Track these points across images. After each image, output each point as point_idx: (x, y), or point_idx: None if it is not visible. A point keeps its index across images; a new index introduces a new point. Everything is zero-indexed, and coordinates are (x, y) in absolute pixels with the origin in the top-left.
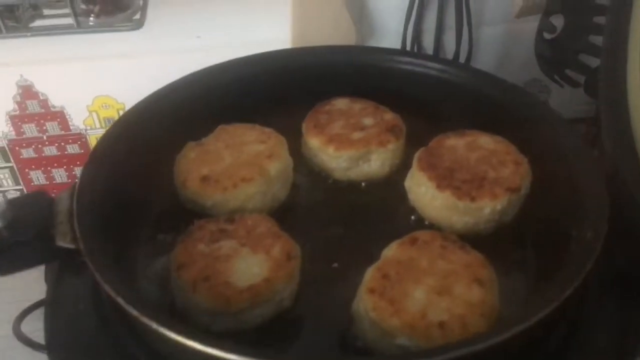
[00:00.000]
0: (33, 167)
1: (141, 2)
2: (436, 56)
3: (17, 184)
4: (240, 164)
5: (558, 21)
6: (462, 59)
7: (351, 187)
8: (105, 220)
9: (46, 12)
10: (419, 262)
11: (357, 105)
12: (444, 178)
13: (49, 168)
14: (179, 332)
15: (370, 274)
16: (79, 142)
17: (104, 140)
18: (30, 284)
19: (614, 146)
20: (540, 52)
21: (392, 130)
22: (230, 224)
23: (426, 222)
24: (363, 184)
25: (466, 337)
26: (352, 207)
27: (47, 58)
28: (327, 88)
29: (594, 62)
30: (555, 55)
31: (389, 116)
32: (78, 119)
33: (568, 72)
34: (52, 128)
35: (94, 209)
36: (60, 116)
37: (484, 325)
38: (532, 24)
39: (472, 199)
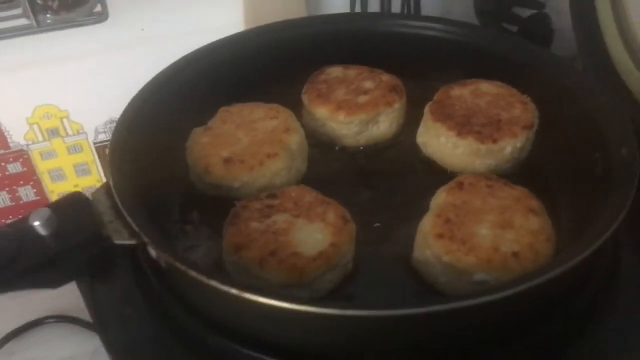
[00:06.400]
0: None
1: None
2: (413, 14)
3: None
4: (260, 142)
5: None
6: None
7: (363, 151)
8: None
9: None
10: (472, 203)
11: (352, 72)
12: (463, 125)
13: None
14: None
15: (430, 222)
16: (20, 160)
17: (119, 136)
18: None
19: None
20: (479, 7)
21: (394, 89)
22: (274, 199)
23: (448, 172)
24: (374, 145)
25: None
26: (371, 169)
27: None
28: (309, 58)
29: (525, 13)
30: (492, 9)
31: (387, 77)
32: (18, 134)
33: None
34: None
35: (135, 205)
36: None
37: (552, 249)
38: None
39: (494, 141)
